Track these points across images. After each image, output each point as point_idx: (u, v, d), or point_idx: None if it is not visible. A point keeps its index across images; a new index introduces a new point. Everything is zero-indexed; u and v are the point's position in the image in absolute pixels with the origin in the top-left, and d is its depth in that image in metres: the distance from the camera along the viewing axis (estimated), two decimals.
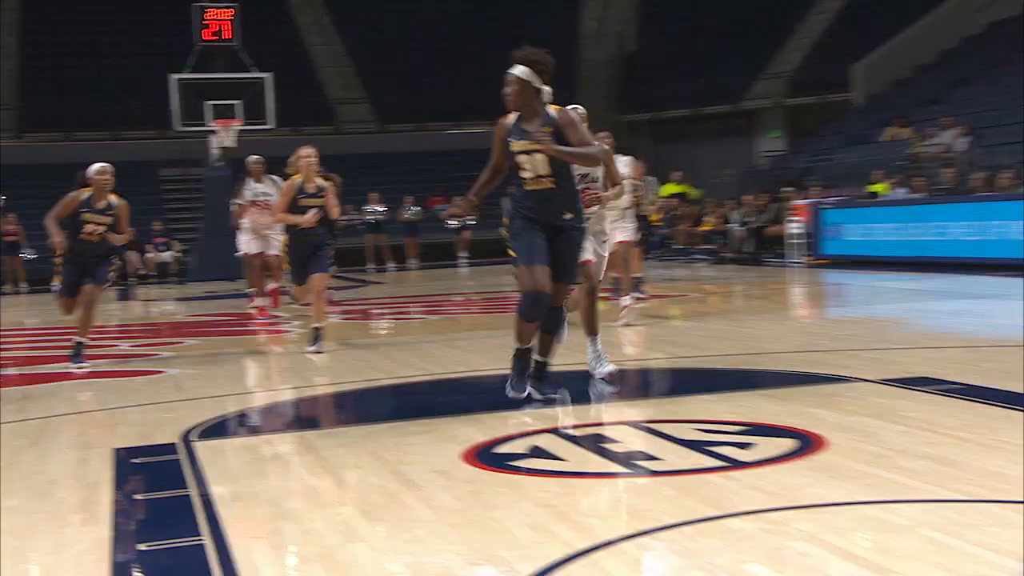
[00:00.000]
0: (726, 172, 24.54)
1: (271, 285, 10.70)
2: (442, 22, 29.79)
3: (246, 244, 10.75)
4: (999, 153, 16.22)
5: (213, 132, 19.71)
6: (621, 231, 8.06)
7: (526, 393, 4.87)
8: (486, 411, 4.91)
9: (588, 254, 5.71)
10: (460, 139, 25.79)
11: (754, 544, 2.57)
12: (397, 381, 6.51)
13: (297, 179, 7.52)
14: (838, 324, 9.54)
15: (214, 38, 20.58)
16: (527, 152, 4.71)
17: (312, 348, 7.47)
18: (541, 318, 4.81)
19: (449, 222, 18.88)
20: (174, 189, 24.77)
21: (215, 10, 20.70)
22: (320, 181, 7.56)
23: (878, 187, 16.75)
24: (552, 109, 4.78)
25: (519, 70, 4.71)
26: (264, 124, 20.31)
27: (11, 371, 7.70)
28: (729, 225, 18.82)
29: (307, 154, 7.49)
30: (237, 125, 19.66)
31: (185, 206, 23.80)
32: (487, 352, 7.27)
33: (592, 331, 5.76)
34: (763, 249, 17.73)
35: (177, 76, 20.23)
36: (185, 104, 19.84)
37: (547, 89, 4.72)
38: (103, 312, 10.15)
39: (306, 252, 7.52)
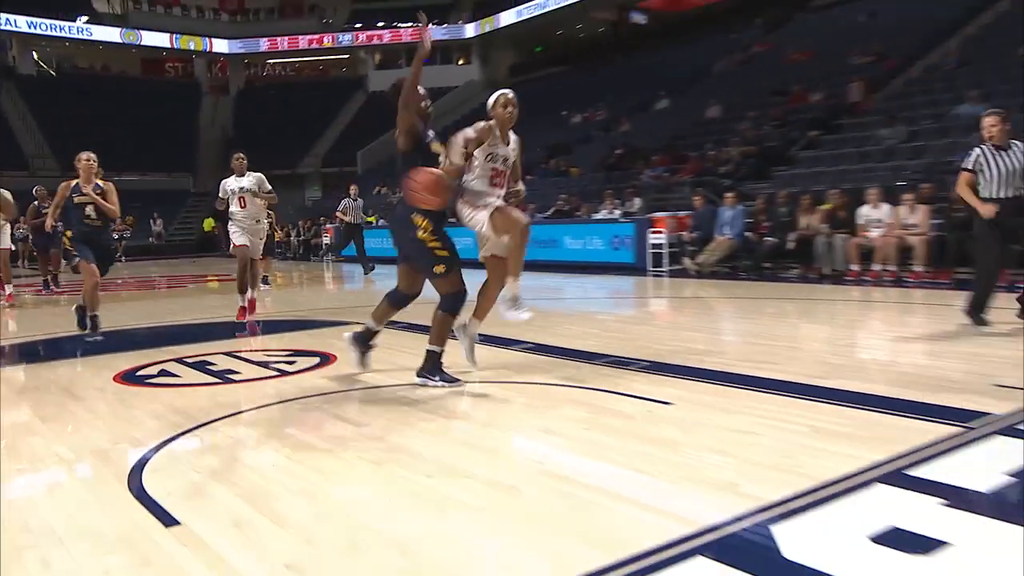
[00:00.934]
0: (288, 210, 31.16)
1: None
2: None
3: None
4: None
5: None
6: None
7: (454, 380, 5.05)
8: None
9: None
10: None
11: (294, 419, 4.45)
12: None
13: (75, 181, 7.88)
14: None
15: None
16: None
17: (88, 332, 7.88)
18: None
19: None
20: None
21: None
22: (100, 183, 7.95)
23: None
24: None
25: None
26: None
27: None
28: (291, 238, 28.54)
29: (87, 158, 7.78)
30: None
31: None
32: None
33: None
34: (309, 252, 27.10)
35: None
36: None
37: None
38: None
39: (96, 245, 7.88)
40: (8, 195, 11.57)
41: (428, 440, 3.83)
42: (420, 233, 4.85)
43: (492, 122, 5.17)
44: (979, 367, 5.10)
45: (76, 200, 7.75)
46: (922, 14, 21.63)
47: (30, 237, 15.06)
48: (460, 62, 39.78)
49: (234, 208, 8.97)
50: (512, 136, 5.35)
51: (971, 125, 14.49)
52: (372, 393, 5.03)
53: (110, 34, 39.14)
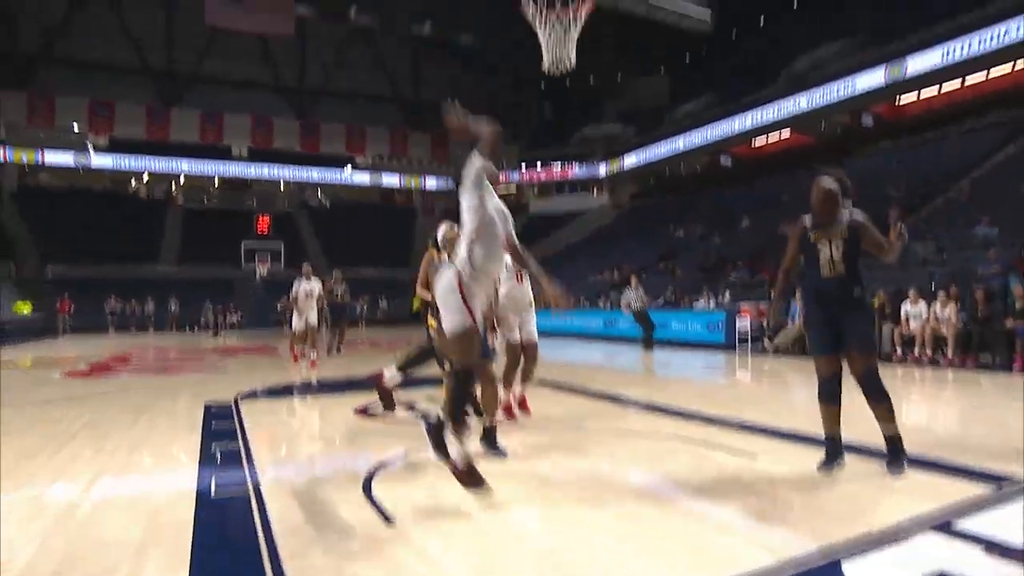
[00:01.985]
0: None
1: None
2: None
3: None
4: None
5: None
6: None
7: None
8: None
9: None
10: None
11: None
12: None
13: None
14: None
15: None
16: None
17: None
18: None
19: None
20: None
21: None
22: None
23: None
24: None
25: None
26: None
27: None
28: None
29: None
30: None
31: None
32: None
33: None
34: None
35: None
36: None
37: None
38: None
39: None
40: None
41: (570, 474, 3.79)
42: None
43: None
44: (1005, 434, 4.81)
45: None
46: (939, 159, 20.53)
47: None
48: (595, 192, 40.40)
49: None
50: None
51: (986, 243, 13.66)
52: (529, 437, 4.85)
53: (364, 179, 42.74)
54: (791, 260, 4.12)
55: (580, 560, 2.53)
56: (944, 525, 2.85)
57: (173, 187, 39.32)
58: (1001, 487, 3.38)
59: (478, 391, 4.41)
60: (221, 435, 5.14)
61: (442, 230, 5.36)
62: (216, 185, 40.63)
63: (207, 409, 6.43)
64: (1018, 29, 18.86)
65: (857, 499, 3.25)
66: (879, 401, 3.84)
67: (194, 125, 38.05)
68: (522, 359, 5.50)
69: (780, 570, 2.42)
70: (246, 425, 5.57)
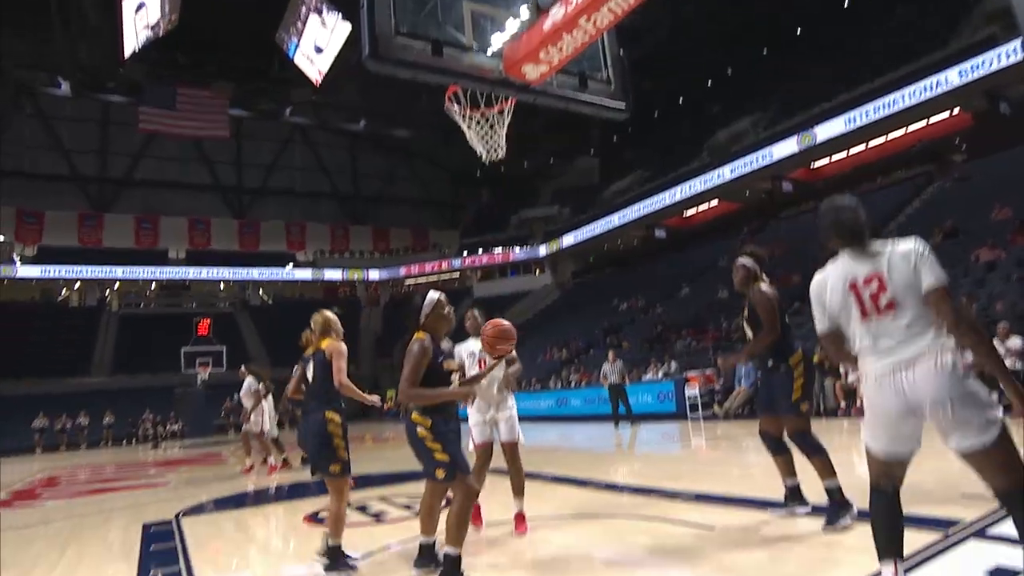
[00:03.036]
0: None
1: None
2: None
3: None
4: None
5: None
6: None
7: None
8: None
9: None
10: None
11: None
12: None
13: None
14: None
15: None
16: None
17: None
18: None
19: None
20: None
21: None
22: None
23: None
24: None
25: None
26: None
27: None
28: None
29: None
30: None
31: None
32: None
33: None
34: None
35: None
36: None
37: None
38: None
39: None
40: None
41: (529, 554, 3.79)
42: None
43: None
44: (949, 479, 4.89)
45: None
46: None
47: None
48: (537, 272, 41.11)
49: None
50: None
51: None
52: (495, 530, 4.70)
53: (305, 274, 42.41)
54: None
55: None
56: None
57: (107, 293, 38.06)
58: (948, 534, 3.44)
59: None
60: (161, 559, 4.83)
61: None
62: (153, 289, 39.59)
63: (145, 530, 6.05)
64: (905, 97, 20.75)
65: (812, 560, 3.27)
66: (810, 456, 4.05)
67: (128, 229, 37.42)
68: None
69: None
70: (188, 545, 5.25)
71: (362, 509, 6.01)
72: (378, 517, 5.67)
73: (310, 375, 4.29)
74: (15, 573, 4.82)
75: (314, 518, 5.93)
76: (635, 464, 8.02)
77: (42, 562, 5.09)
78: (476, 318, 4.84)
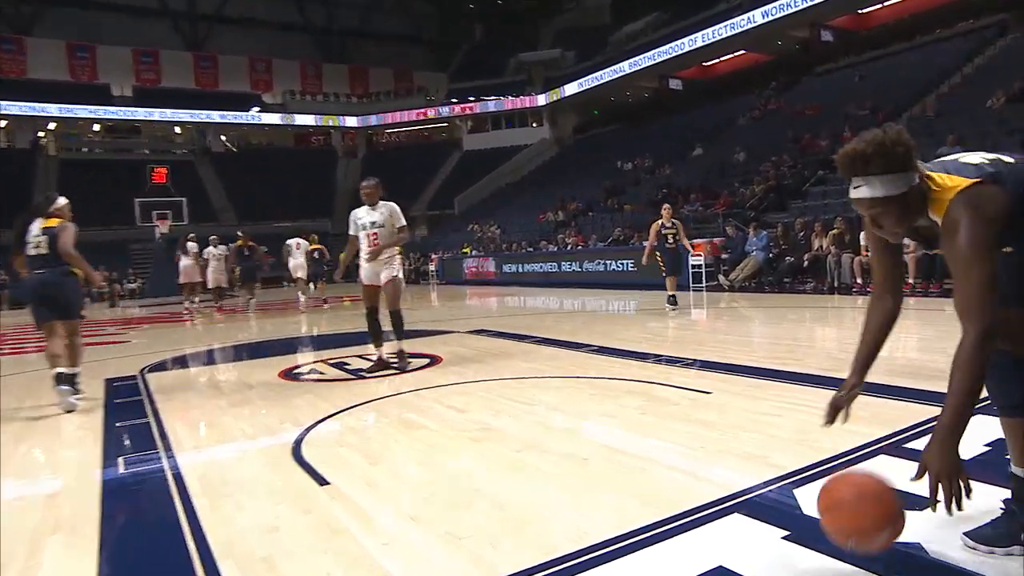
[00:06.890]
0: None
1: None
2: None
3: None
4: None
5: None
6: None
7: None
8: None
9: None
10: None
11: (412, 406, 4.69)
12: None
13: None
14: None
15: None
16: None
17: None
18: None
19: None
20: None
21: None
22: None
23: None
24: None
25: None
26: None
27: None
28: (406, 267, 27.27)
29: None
30: None
31: None
32: None
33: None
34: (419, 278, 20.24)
35: None
36: None
37: None
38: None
39: None
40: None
41: (515, 422, 3.98)
42: None
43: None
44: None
45: None
46: (902, 76, 21.14)
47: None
48: (534, 124, 40.15)
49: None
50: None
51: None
52: (470, 386, 5.10)
53: (273, 119, 41.15)
54: None
55: (529, 513, 2.59)
56: (895, 446, 3.03)
57: (44, 135, 36.94)
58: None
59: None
60: (127, 411, 5.01)
61: None
62: (96, 130, 38.44)
63: (108, 384, 6.24)
64: None
65: (808, 428, 3.39)
66: None
67: (60, 59, 35.56)
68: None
69: (729, 502, 2.53)
70: (156, 399, 5.43)
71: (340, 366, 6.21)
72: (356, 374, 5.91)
73: None
74: None
75: (288, 374, 6.15)
76: (632, 331, 8.22)
77: None
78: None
